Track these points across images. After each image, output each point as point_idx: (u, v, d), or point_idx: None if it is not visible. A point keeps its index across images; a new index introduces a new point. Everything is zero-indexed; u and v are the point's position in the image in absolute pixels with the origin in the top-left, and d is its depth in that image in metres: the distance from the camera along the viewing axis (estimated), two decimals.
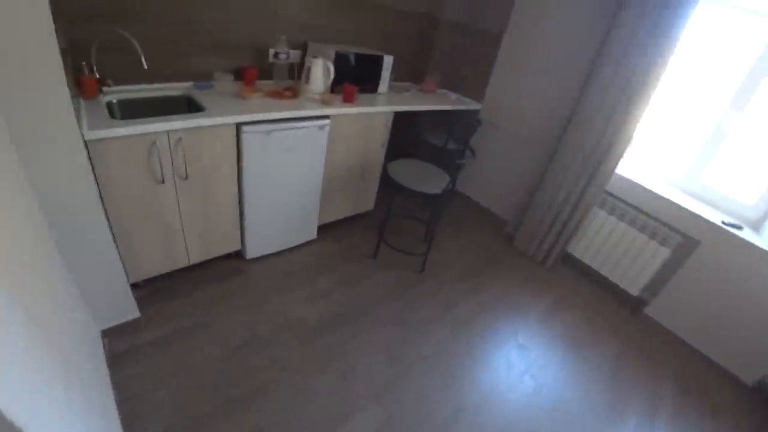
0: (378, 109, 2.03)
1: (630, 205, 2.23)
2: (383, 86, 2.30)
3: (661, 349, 2.08)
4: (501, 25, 2.53)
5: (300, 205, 2.01)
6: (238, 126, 1.59)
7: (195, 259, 1.81)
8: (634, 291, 2.30)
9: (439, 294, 2.06)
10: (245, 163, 1.67)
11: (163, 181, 1.49)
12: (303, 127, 1.77)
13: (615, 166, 2.15)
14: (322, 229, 2.30)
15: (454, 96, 2.77)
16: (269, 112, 1.63)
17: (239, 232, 1.89)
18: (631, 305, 2.32)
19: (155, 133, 1.38)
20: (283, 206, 1.94)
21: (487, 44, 2.62)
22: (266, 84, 2.02)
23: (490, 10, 2.57)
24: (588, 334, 2.06)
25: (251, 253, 1.98)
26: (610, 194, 2.28)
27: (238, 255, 1.99)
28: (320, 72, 1.91)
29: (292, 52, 2.08)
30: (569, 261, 2.55)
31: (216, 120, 1.49)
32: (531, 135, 2.54)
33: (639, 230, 2.20)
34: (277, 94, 1.83)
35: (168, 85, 1.76)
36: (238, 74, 1.94)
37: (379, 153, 2.27)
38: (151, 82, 1.71)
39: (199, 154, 1.54)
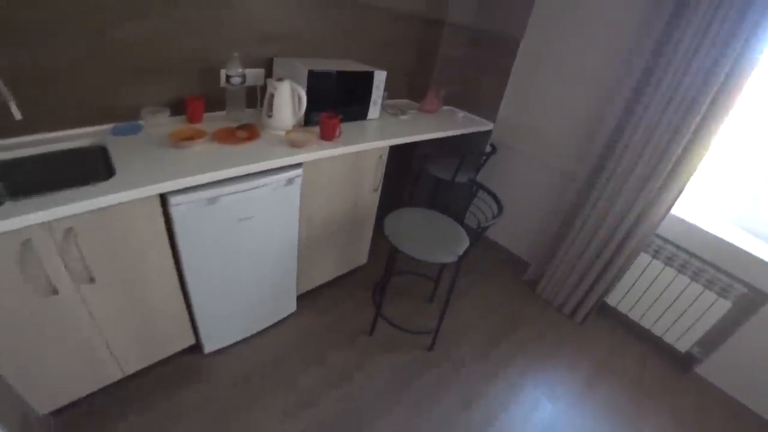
0: (368, 146, 1.53)
1: (680, 248, 1.79)
2: (374, 110, 1.81)
3: (718, 414, 1.69)
4: (518, 28, 2.04)
5: (271, 279, 1.52)
6: (164, 197, 1.09)
7: (133, 367, 1.33)
8: (682, 347, 1.87)
9: (454, 382, 1.60)
10: (181, 247, 1.18)
11: (56, 292, 1.00)
12: (264, 185, 1.27)
13: (672, 204, 1.68)
14: (304, 297, 1.82)
15: (461, 114, 2.28)
16: (213, 171, 1.13)
17: (190, 324, 1.40)
18: (680, 364, 1.90)
19: (26, 228, 0.89)
20: (247, 284, 1.45)
21: (502, 51, 2.12)
22: (219, 117, 1.52)
23: (504, 10, 2.07)
24: (635, 404, 1.67)
25: (210, 346, 1.50)
26: (657, 235, 1.83)
27: (196, 348, 1.51)
28: (287, 100, 1.41)
29: (252, 72, 1.57)
30: (603, 310, 2.10)
31: (124, 195, 0.99)
32: (559, 161, 2.06)
33: (691, 278, 1.76)
34: (228, 136, 1.33)
35: (73, 132, 1.26)
36: (179, 107, 1.44)
37: (371, 199, 1.78)
38: (37, 131, 1.20)
39: (107, 245, 1.04)
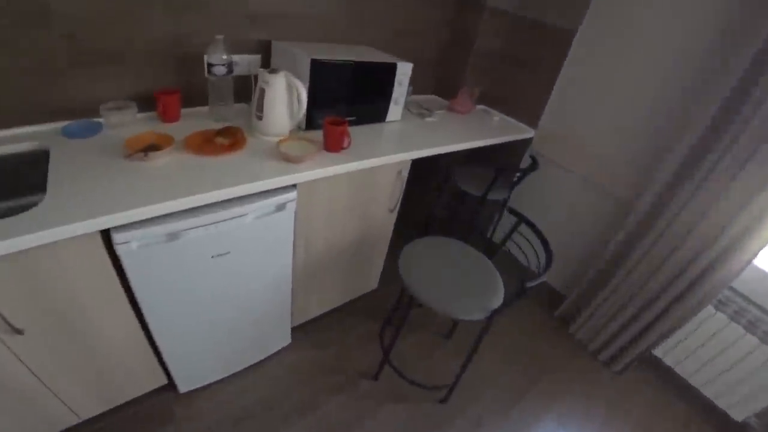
0: (384, 161, 1.23)
1: (753, 302, 1.47)
2: (395, 111, 1.49)
3: None
4: (572, 18, 1.65)
5: (257, 314, 1.27)
6: (106, 234, 0.82)
7: (92, 412, 1.11)
8: (738, 416, 1.57)
9: None
10: (136, 289, 0.92)
11: None
12: (245, 214, 0.99)
13: (758, 252, 1.34)
14: (301, 328, 1.57)
15: (496, 117, 1.92)
16: (173, 200, 0.85)
17: (159, 365, 1.17)
18: None
19: None
20: (227, 322, 1.20)
21: (551, 43, 1.74)
22: (202, 114, 1.23)
23: None
24: None
25: (184, 386, 1.27)
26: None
27: (172, 387, 1.28)
28: (282, 97, 1.11)
29: (245, 58, 1.27)
30: (644, 360, 1.79)
31: (46, 234, 0.72)
32: (612, 185, 1.71)
33: (762, 339, 1.43)
34: (203, 144, 1.04)
35: (10, 133, 0.99)
36: (150, 102, 1.15)
37: (386, 220, 1.49)
38: None
39: (32, 291, 0.79)
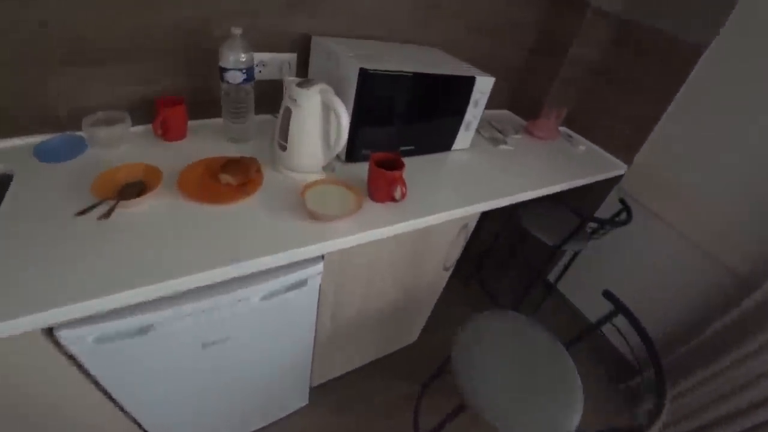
0: (446, 216, 0.88)
1: None
2: (464, 138, 1.13)
3: None
4: (707, 26, 1.18)
5: (267, 386, 1.00)
6: (50, 333, 0.57)
7: None
8: None
9: None
10: (106, 384, 0.67)
11: None
12: (248, 298, 0.70)
13: None
14: (321, 389, 1.31)
15: (582, 146, 1.48)
16: (146, 286, 0.57)
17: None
18: None
19: None
20: (226, 395, 0.95)
21: (669, 59, 1.29)
22: (215, 127, 0.95)
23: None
24: None
25: None
26: None
27: None
28: (314, 122, 0.79)
29: (275, 58, 0.97)
30: None
31: None
32: (723, 249, 1.27)
33: None
34: (203, 185, 0.76)
35: None
36: (151, 111, 0.89)
37: (438, 278, 1.16)
38: None
39: None
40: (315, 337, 0.97)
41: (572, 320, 1.81)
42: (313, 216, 0.72)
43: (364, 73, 0.81)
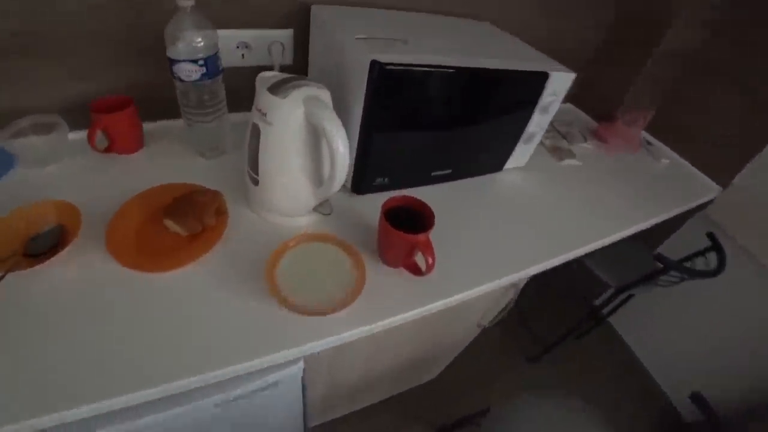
0: (492, 286, 0.59)
1: None
2: (522, 154, 0.79)
3: None
4: None
5: None
6: None
7: None
8: None
9: None
10: None
11: None
12: (202, 408, 0.49)
13: None
14: (320, 427, 1.13)
15: (665, 160, 1.07)
16: (58, 411, 0.36)
17: None
18: None
19: None
20: None
21: None
22: (176, 134, 0.71)
23: None
24: None
25: None
26: None
27: None
28: (296, 149, 0.51)
29: (261, 36, 0.69)
30: None
31: None
32: None
33: None
34: (146, 239, 0.53)
35: None
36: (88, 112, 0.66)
37: (468, 334, 0.90)
38: None
39: None
40: (305, 414, 0.77)
41: (621, 355, 1.51)
42: (288, 308, 0.48)
43: (378, 68, 0.52)
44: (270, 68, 0.70)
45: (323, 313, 0.46)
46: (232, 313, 0.47)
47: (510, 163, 0.79)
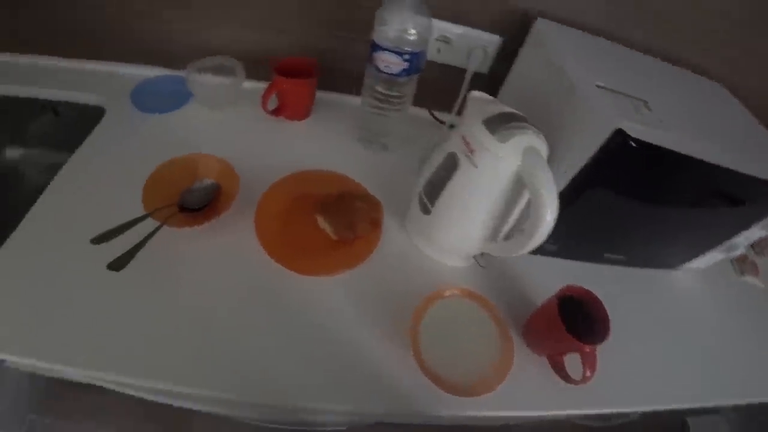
0: (654, 407, 0.48)
1: None
2: (708, 259, 0.61)
3: None
4: None
5: None
6: None
7: None
8: None
9: None
10: None
11: None
12: None
13: None
14: None
15: None
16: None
17: None
18: None
19: None
20: None
21: None
22: (345, 110, 0.66)
23: None
24: None
25: None
26: None
27: None
28: (490, 200, 0.43)
29: (467, 34, 0.61)
30: None
31: None
32: None
33: None
34: (292, 227, 0.50)
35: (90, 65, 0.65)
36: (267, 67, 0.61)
37: None
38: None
39: None
40: None
41: None
42: (429, 377, 0.42)
43: (621, 139, 0.41)
44: (462, 71, 0.61)
45: (466, 394, 0.41)
46: (363, 347, 0.43)
47: (690, 263, 0.65)
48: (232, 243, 0.48)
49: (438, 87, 0.63)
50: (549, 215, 0.40)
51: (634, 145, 0.41)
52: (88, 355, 0.37)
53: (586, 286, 0.46)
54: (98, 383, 0.54)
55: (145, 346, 0.39)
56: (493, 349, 0.45)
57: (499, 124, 0.42)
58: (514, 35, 0.59)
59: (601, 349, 0.44)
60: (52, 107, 0.65)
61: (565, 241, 0.55)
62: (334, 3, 0.58)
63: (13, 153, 0.71)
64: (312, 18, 0.60)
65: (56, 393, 0.94)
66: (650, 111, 0.47)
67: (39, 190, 0.49)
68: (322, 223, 0.51)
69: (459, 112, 0.61)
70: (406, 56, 0.50)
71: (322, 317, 0.44)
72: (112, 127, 0.58)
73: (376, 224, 0.51)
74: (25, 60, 0.65)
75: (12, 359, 0.38)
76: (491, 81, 0.64)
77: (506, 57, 0.61)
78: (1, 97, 0.64)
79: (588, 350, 0.43)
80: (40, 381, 0.92)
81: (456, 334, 0.45)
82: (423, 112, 0.70)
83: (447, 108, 0.65)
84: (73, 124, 0.64)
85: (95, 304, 0.41)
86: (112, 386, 0.58)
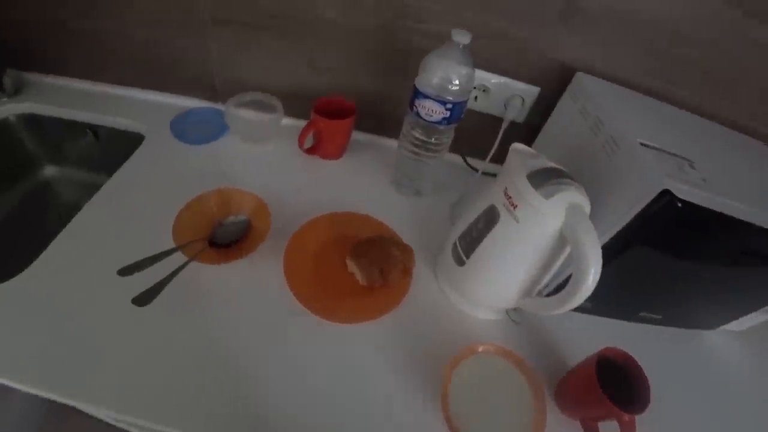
0: None
1: None
2: (748, 321, 0.57)
3: None
4: None
5: None
6: None
7: None
8: None
9: None
10: None
11: None
12: None
13: None
14: None
15: None
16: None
17: None
18: None
19: None
20: None
21: None
22: (379, 152, 0.67)
23: None
24: None
25: None
26: None
27: None
28: (529, 255, 0.42)
29: (504, 85, 0.61)
30: None
31: None
32: None
33: None
34: (320, 269, 0.49)
35: (118, 91, 0.68)
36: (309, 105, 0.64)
37: None
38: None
39: None
40: None
41: None
42: None
43: (668, 200, 0.41)
44: (498, 119, 0.62)
45: None
46: (385, 404, 0.41)
47: (728, 325, 0.63)
48: (259, 281, 0.47)
49: (473, 134, 0.63)
50: (592, 276, 0.38)
51: (680, 206, 0.40)
52: (109, 394, 0.36)
53: (620, 346, 0.44)
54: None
55: (163, 388, 0.37)
56: (525, 412, 0.43)
57: (542, 179, 0.41)
58: (552, 87, 0.60)
59: (639, 418, 0.41)
60: (93, 130, 0.67)
61: (601, 300, 0.53)
62: (381, 46, 0.60)
63: (51, 171, 0.73)
64: (358, 60, 0.62)
65: (61, 417, 0.92)
66: (695, 170, 0.46)
67: (72, 209, 0.50)
68: (353, 268, 0.50)
69: (492, 160, 0.61)
70: (449, 105, 0.51)
71: (350, 368, 0.42)
72: (150, 154, 0.60)
73: (406, 272, 0.50)
74: (75, 84, 0.68)
75: (23, 389, 0.37)
76: (528, 131, 0.64)
77: (541, 108, 0.62)
78: (46, 117, 0.66)
79: (627, 419, 0.40)
80: (46, 402, 0.91)
81: (488, 393, 0.43)
82: (456, 158, 0.70)
83: (480, 154, 0.65)
84: (111, 148, 0.65)
85: (117, 340, 0.40)
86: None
